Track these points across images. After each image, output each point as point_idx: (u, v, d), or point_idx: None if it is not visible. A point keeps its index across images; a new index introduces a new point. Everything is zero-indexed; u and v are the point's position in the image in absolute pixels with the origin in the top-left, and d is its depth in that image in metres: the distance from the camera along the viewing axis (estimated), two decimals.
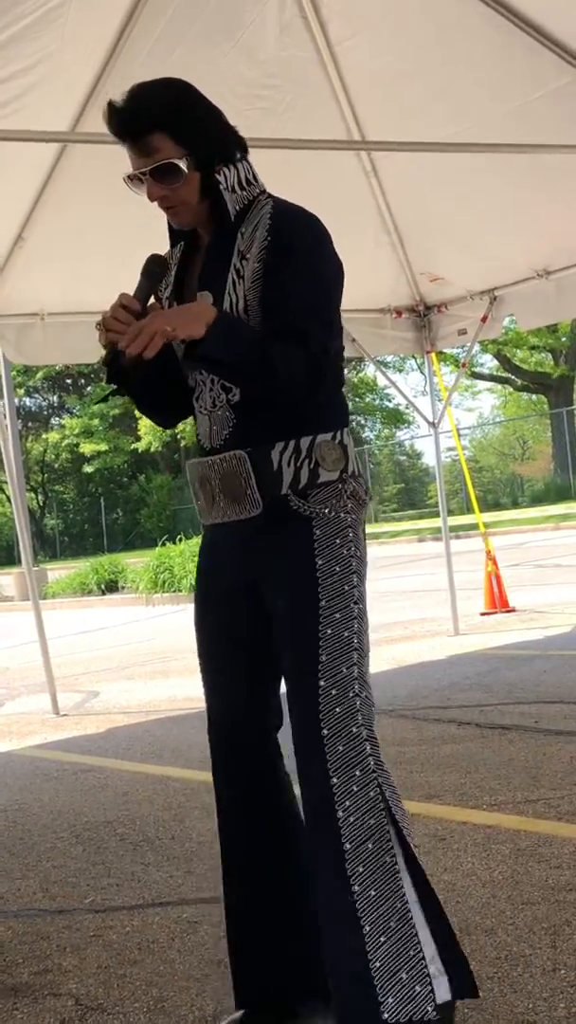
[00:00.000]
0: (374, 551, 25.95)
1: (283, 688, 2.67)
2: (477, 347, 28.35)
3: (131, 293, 2.55)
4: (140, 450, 41.81)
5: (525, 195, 7.32)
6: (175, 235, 2.81)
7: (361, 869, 2.45)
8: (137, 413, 41.28)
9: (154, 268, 2.65)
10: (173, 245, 2.83)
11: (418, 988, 2.41)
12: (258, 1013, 2.77)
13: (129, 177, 2.63)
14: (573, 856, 3.74)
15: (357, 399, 46.05)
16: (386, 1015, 2.39)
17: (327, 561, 2.60)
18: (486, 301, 8.73)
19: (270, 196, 2.68)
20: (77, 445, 42.52)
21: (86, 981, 3.19)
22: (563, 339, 36.67)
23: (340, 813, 2.48)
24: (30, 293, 7.48)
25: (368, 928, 2.43)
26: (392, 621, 11.67)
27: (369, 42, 6.29)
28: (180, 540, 20.23)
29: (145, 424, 40.45)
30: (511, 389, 44.03)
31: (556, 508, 28.60)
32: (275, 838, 2.80)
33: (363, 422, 48.72)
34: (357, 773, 2.50)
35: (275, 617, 2.66)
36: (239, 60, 6.15)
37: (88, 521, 46.58)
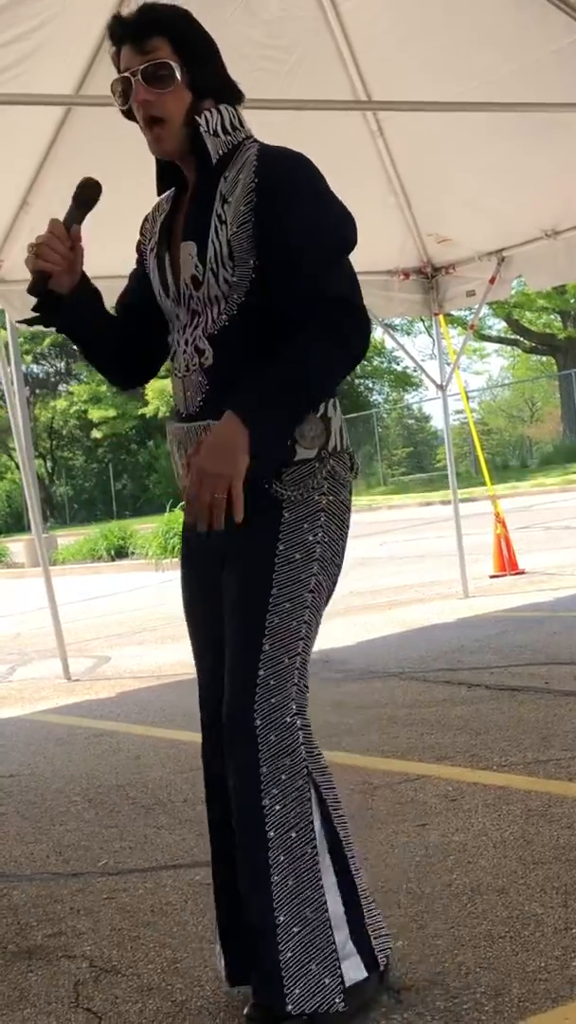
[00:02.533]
0: (382, 515, 25.97)
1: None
2: (485, 309, 28.20)
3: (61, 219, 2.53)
4: (148, 415, 41.78)
5: (533, 155, 7.27)
6: (163, 182, 2.71)
7: (282, 858, 2.45)
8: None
9: (87, 194, 2.58)
10: (160, 192, 2.74)
11: (327, 980, 2.42)
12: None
13: (117, 87, 2.53)
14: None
15: (365, 362, 45.89)
16: (290, 1007, 2.41)
17: (288, 547, 2.48)
18: (494, 262, 8.67)
19: (256, 140, 2.57)
20: (85, 411, 42.53)
21: (100, 943, 3.21)
22: (572, 300, 36.50)
23: (266, 801, 2.45)
24: None
25: (282, 918, 2.43)
26: (401, 584, 11.69)
27: (375, 1, 6.23)
28: None
29: (153, 389, 40.36)
30: (519, 351, 43.88)
31: (568, 470, 28.55)
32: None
33: (371, 385, 48.67)
34: (287, 762, 2.46)
35: (225, 595, 2.57)
36: (244, 20, 6.10)
37: (97, 487, 46.62)
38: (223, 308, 2.49)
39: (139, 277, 2.76)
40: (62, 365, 47.21)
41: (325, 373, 2.42)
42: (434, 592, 10.61)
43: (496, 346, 44.68)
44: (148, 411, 41.27)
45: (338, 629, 8.98)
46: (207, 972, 2.92)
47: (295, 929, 2.43)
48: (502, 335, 42.11)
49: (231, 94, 2.59)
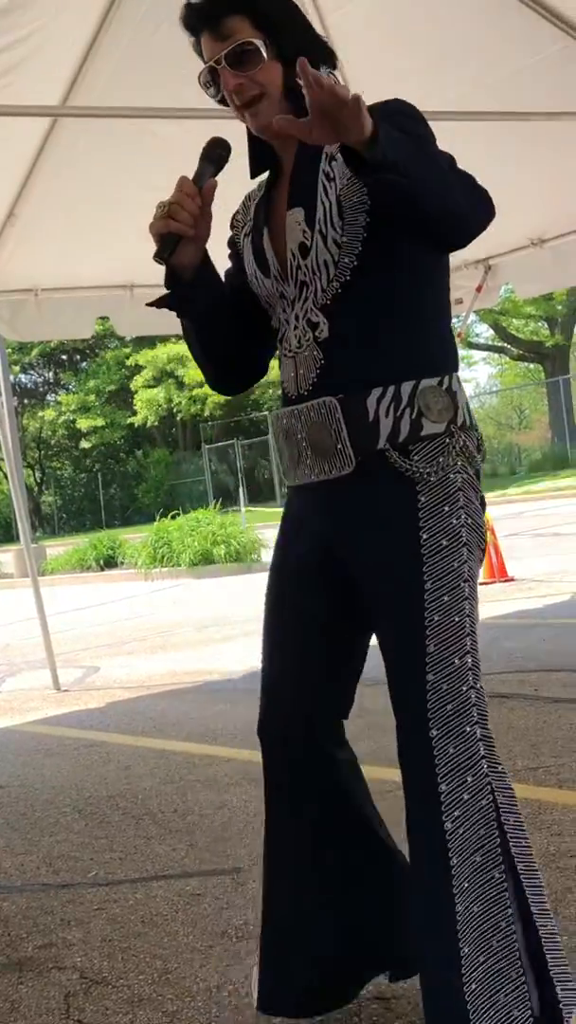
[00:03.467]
0: None
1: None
2: (473, 317, 28.24)
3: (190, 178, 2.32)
4: (137, 425, 41.78)
5: (519, 163, 7.28)
6: (256, 166, 2.50)
7: (467, 885, 2.21)
8: (133, 386, 41.24)
9: (218, 151, 2.37)
10: (255, 174, 2.52)
11: (516, 1013, 2.20)
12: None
13: (205, 78, 2.37)
14: (574, 823, 3.76)
15: None
16: None
17: (433, 535, 2.24)
18: (481, 270, 8.69)
19: None
20: (74, 421, 42.49)
21: (90, 954, 3.20)
22: (559, 307, 36.61)
23: (448, 824, 2.21)
24: (23, 269, 7.45)
25: (467, 949, 2.19)
26: None
27: (362, 10, 6.25)
28: (178, 515, 20.24)
29: (141, 399, 40.39)
30: (507, 358, 43.97)
31: (557, 477, 28.60)
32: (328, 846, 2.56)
33: None
34: (468, 779, 2.22)
35: (371, 601, 2.35)
36: None
37: (86, 497, 46.55)
38: (333, 274, 2.30)
39: (236, 274, 2.56)
40: (50, 375, 47.17)
41: (445, 170, 2.15)
42: None
43: (484, 353, 44.78)
44: (137, 420, 41.27)
45: None
46: (198, 983, 2.91)
47: (481, 959, 2.19)
48: (490, 343, 42.20)
49: (325, 54, 2.42)
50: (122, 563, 21.20)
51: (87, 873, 3.94)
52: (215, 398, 39.90)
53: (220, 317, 2.48)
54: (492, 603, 9.65)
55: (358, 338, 2.29)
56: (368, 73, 6.78)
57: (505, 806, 2.25)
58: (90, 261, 7.50)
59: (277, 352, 2.51)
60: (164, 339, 37.34)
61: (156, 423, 42.03)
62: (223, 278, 2.54)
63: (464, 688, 2.24)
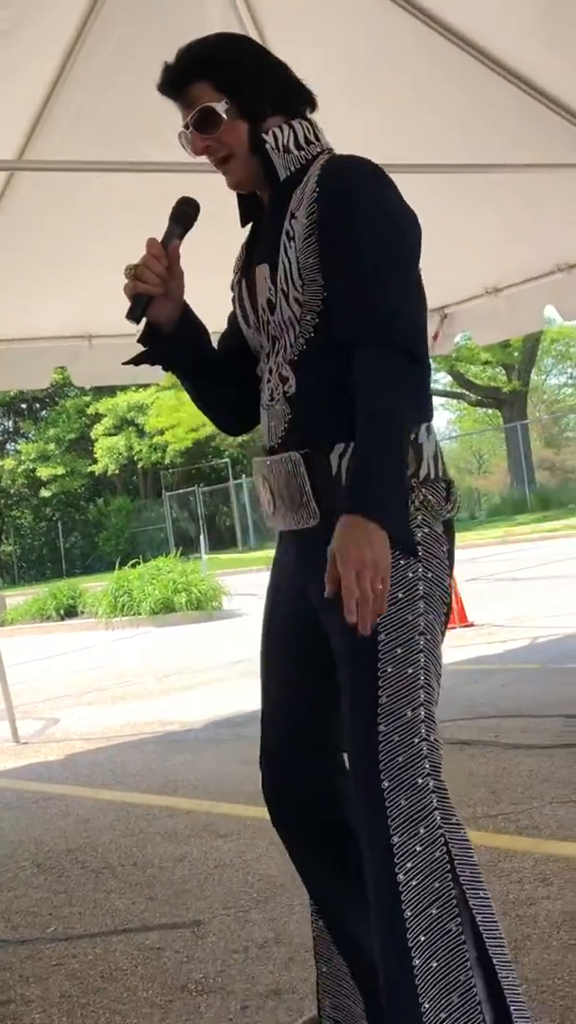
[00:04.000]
0: None
1: None
2: (431, 364, 28.48)
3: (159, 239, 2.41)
4: (97, 473, 41.73)
5: (474, 214, 7.37)
6: (245, 215, 2.56)
7: (423, 938, 2.17)
8: (93, 434, 41.19)
9: (186, 210, 2.45)
10: (244, 224, 2.58)
11: None
12: None
13: (182, 140, 2.46)
14: (533, 870, 3.76)
15: None
16: None
17: (392, 588, 2.22)
18: (436, 319, 8.77)
19: (331, 151, 2.46)
20: (34, 470, 42.37)
21: (49, 1011, 3.17)
22: (515, 354, 36.95)
23: (401, 876, 2.18)
24: None
25: (427, 1005, 2.16)
26: None
27: (313, 65, 6.31)
28: (138, 563, 20.18)
29: (101, 447, 40.37)
30: (466, 404, 44.27)
31: (516, 522, 28.74)
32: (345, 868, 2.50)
33: None
34: (421, 831, 2.21)
35: (333, 649, 2.36)
36: None
37: (46, 546, 46.33)
38: (299, 331, 2.35)
39: (232, 317, 2.62)
40: (10, 424, 47.09)
41: (395, 402, 2.20)
42: None
43: (442, 399, 45.07)
44: (97, 468, 41.24)
45: None
46: None
47: (442, 1015, 2.16)
48: (448, 389, 42.48)
49: (300, 102, 2.49)
50: (83, 612, 21.08)
51: (46, 928, 3.90)
52: (176, 445, 39.92)
53: (211, 366, 2.53)
54: (453, 649, 9.66)
55: (322, 394, 2.32)
56: (325, 125, 6.87)
57: (460, 857, 2.22)
58: (48, 311, 7.51)
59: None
60: (124, 387, 37.39)
61: (117, 471, 42.00)
62: (227, 320, 2.61)
63: (416, 740, 2.24)
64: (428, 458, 2.32)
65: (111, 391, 38.93)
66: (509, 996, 2.20)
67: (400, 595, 2.26)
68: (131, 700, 9.57)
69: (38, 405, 44.81)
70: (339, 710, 2.40)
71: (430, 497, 2.31)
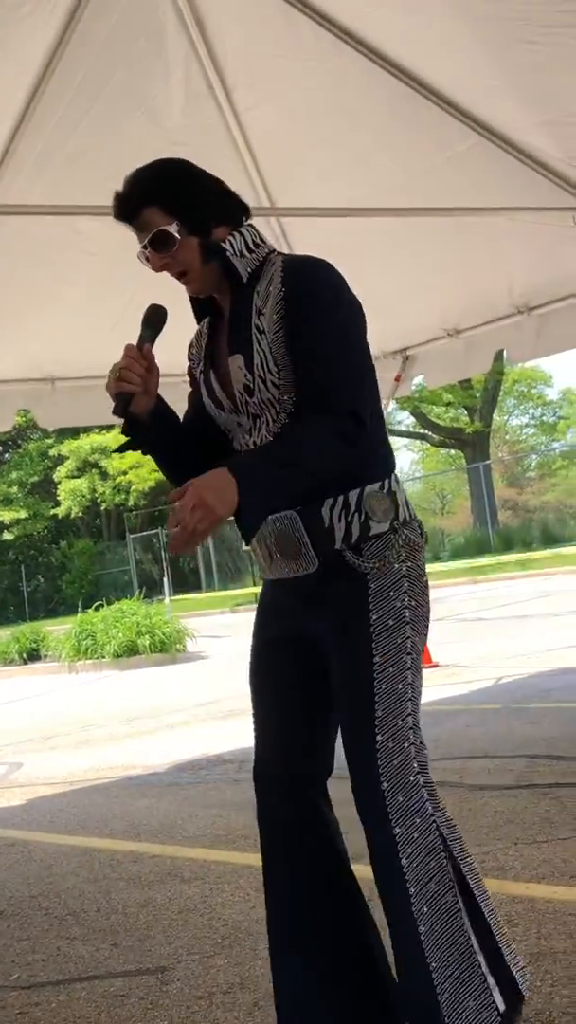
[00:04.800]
0: None
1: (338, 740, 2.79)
2: (394, 404, 28.65)
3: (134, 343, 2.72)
4: (60, 516, 41.57)
5: (434, 256, 7.44)
6: (199, 311, 2.92)
7: (426, 910, 2.59)
8: (56, 477, 41.05)
9: (154, 317, 2.77)
10: (199, 320, 2.94)
11: (484, 1014, 2.58)
12: None
13: (140, 256, 2.76)
14: (499, 912, 3.73)
15: None
16: None
17: (381, 615, 2.67)
18: (399, 360, 8.83)
19: (279, 253, 2.80)
20: None
21: None
22: (476, 395, 37.20)
23: (404, 860, 2.60)
24: None
25: (435, 964, 2.57)
26: None
27: (275, 110, 6.38)
28: (102, 605, 20.09)
29: (64, 489, 40.25)
30: (429, 445, 44.49)
31: (477, 561, 28.82)
32: (326, 889, 2.86)
33: None
34: (417, 820, 2.61)
35: (332, 672, 2.73)
36: (147, 130, 6.21)
37: (8, 589, 46.01)
38: (279, 408, 2.69)
39: (197, 400, 2.93)
40: None
41: (315, 453, 2.57)
42: None
43: (405, 440, 45.28)
44: (60, 511, 41.09)
45: (242, 729, 8.93)
46: None
47: (447, 971, 2.58)
48: (411, 429, 42.70)
49: (239, 211, 2.80)
50: (46, 656, 20.95)
51: (9, 976, 3.85)
52: (139, 486, 39.87)
53: (180, 444, 2.87)
54: None
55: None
56: (282, 171, 6.92)
57: (450, 837, 2.63)
58: (10, 354, 7.51)
59: None
60: (87, 429, 37.38)
61: (80, 513, 41.86)
62: (187, 401, 2.97)
63: (406, 745, 2.65)
64: (402, 504, 2.73)
65: (74, 433, 38.88)
66: (503, 947, 2.63)
67: (391, 623, 2.67)
68: (94, 744, 9.50)
69: (0, 448, 44.66)
70: (325, 735, 2.86)
71: (411, 536, 2.74)
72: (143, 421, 2.77)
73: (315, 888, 2.84)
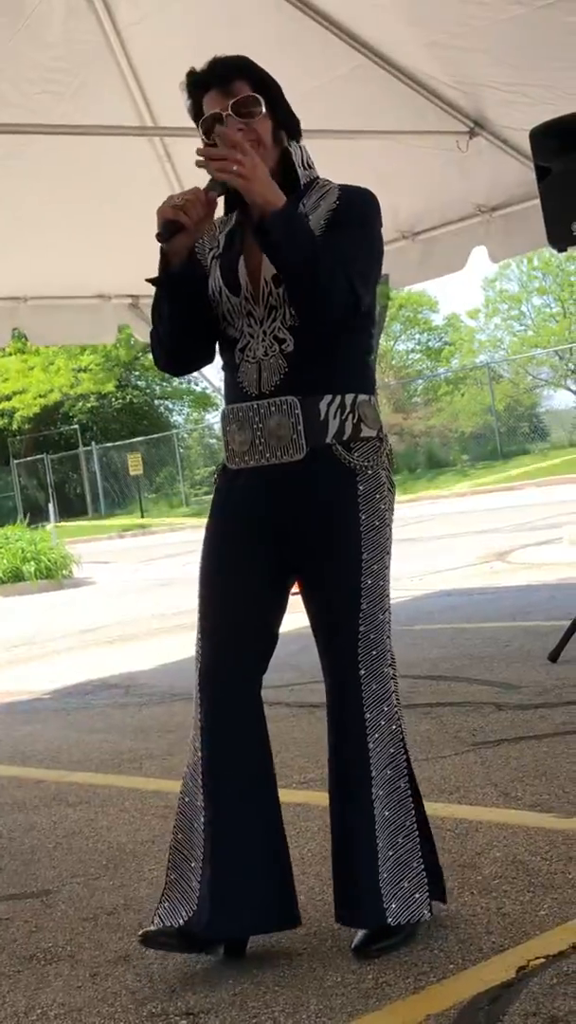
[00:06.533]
0: (186, 535, 25.94)
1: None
2: None
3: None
4: None
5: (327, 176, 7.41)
6: (230, 205, 3.08)
7: (381, 792, 2.84)
8: None
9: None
10: (228, 212, 3.09)
11: (417, 895, 2.85)
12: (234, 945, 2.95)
13: (207, 125, 2.88)
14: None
15: (164, 383, 45.90)
16: (390, 919, 2.81)
17: (369, 516, 2.87)
18: None
19: (328, 180, 2.99)
20: None
21: None
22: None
23: (371, 744, 2.85)
24: None
25: (380, 843, 2.82)
26: None
27: (157, 26, 6.27)
28: None
29: None
30: None
31: None
32: (265, 775, 2.96)
33: (171, 406, 48.62)
34: (384, 708, 2.86)
35: (311, 565, 2.91)
36: (28, 42, 6.06)
37: None
38: None
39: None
40: None
41: (325, 270, 2.73)
42: None
43: None
44: None
45: (140, 653, 8.96)
46: (5, 1008, 2.86)
47: (390, 853, 2.83)
48: None
49: (298, 127, 3.02)
50: None
51: None
52: (23, 412, 39.34)
53: (192, 305, 2.95)
54: (302, 613, 9.74)
55: (315, 355, 2.86)
56: (167, 89, 6.80)
57: (404, 731, 2.92)
58: None
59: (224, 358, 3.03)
60: None
61: None
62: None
63: (384, 638, 2.90)
64: (383, 422, 2.99)
65: None
66: (431, 839, 2.94)
67: (376, 523, 2.89)
68: None
69: None
70: (274, 628, 3.00)
71: (390, 450, 2.98)
72: (175, 263, 2.88)
73: (257, 785, 2.92)
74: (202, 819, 2.90)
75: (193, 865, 2.91)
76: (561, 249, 6.12)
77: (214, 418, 46.65)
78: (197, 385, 45.18)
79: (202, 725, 2.92)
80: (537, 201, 6.02)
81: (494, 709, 5.38)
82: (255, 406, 2.90)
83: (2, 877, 3.95)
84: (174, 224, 2.79)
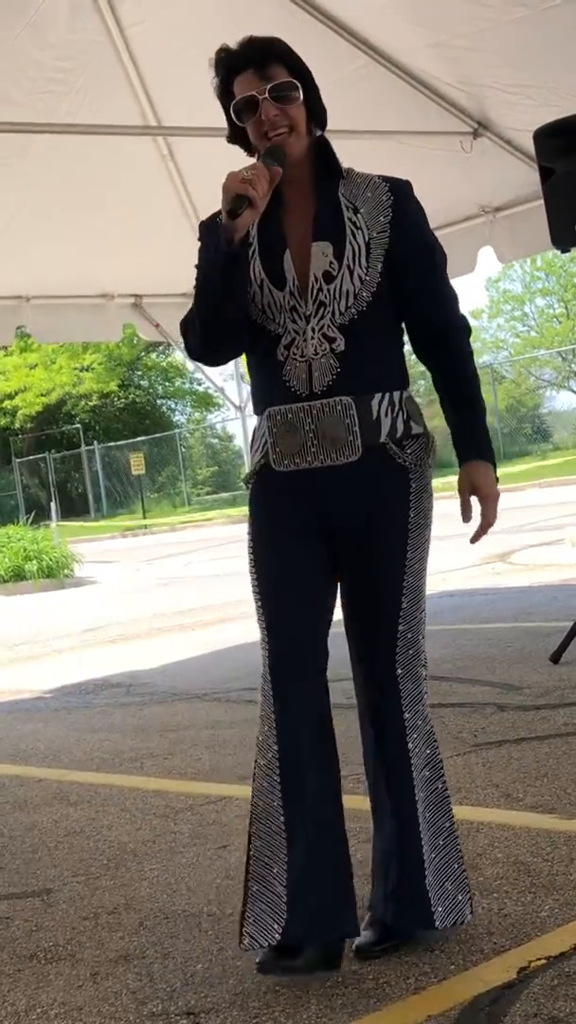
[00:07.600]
0: (187, 535, 25.94)
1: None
2: None
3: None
4: None
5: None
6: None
7: (422, 795, 2.85)
8: None
9: (278, 151, 2.82)
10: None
11: (459, 896, 2.85)
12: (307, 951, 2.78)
13: (241, 105, 2.83)
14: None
15: (167, 383, 45.90)
16: (437, 923, 2.81)
17: (416, 514, 2.88)
18: None
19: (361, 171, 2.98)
20: None
21: None
22: None
23: (410, 745, 2.85)
24: None
25: (425, 846, 2.83)
26: (206, 604, 11.70)
27: (160, 26, 6.27)
28: None
29: None
30: None
31: None
32: (338, 776, 2.96)
33: (173, 406, 48.58)
34: (419, 708, 2.87)
35: (359, 564, 2.88)
36: (31, 42, 6.06)
37: None
38: (351, 302, 2.83)
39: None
40: None
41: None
42: (238, 612, 10.65)
43: None
44: None
45: (142, 652, 8.96)
46: (5, 1007, 2.87)
47: (433, 855, 2.84)
48: None
49: (324, 121, 2.95)
50: None
51: None
52: (25, 410, 39.34)
53: (243, 288, 2.86)
54: None
55: (367, 353, 2.84)
56: (170, 89, 6.81)
57: (434, 729, 2.91)
58: None
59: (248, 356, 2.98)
60: None
61: None
62: None
63: (420, 638, 2.88)
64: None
65: None
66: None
67: (422, 522, 2.89)
68: None
69: None
70: (329, 620, 2.91)
71: (435, 444, 2.96)
72: (236, 242, 2.80)
73: (331, 784, 2.92)
74: (281, 820, 2.85)
75: (276, 871, 2.82)
76: (565, 250, 6.12)
77: (216, 418, 46.63)
78: (199, 385, 45.17)
79: (276, 721, 2.94)
80: (542, 202, 6.01)
81: (496, 710, 5.38)
82: (307, 407, 2.82)
83: (3, 876, 3.95)
84: (244, 199, 2.71)
